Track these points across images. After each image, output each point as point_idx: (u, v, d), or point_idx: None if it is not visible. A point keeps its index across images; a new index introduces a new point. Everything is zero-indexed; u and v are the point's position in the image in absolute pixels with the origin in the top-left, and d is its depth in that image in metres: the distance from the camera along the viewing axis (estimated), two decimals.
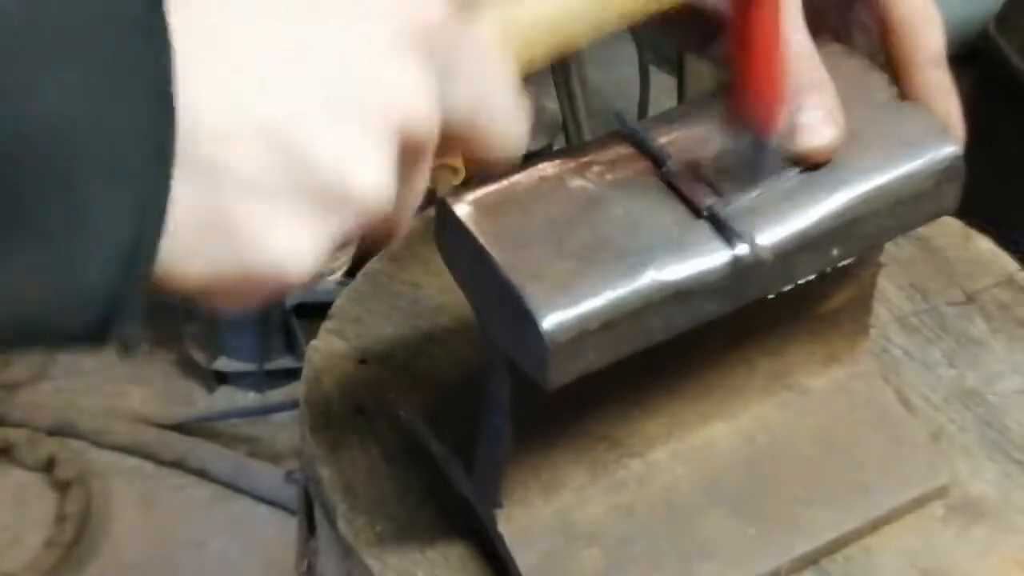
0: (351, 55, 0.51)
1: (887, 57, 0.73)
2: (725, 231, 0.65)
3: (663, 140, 0.69)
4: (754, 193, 0.67)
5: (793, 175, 0.68)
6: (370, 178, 0.51)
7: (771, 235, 0.66)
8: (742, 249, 0.65)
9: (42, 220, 0.45)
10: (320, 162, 0.50)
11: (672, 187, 0.67)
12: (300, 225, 0.50)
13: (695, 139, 0.69)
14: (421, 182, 0.57)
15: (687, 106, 0.72)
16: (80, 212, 0.45)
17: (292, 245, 0.50)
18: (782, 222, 0.67)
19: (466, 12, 0.59)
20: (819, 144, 0.67)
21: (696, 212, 0.66)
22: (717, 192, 0.66)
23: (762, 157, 0.66)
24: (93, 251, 0.46)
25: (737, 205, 0.66)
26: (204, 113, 0.47)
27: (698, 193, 0.66)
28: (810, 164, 0.68)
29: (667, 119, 0.70)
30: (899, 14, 0.72)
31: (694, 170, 0.67)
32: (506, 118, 0.59)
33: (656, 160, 0.68)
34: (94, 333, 0.47)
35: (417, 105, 0.53)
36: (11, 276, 0.46)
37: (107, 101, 0.45)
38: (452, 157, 0.61)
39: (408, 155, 0.54)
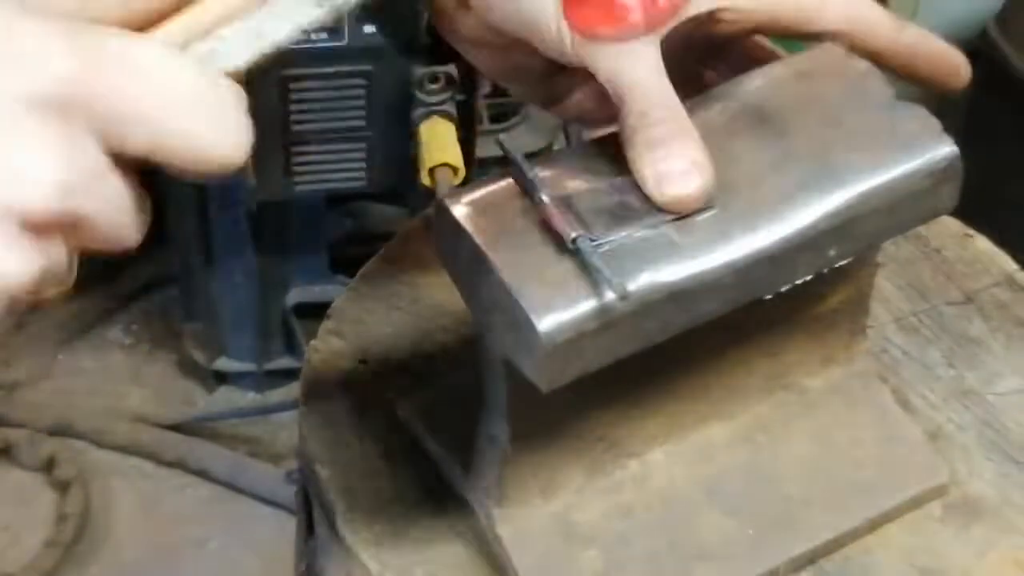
0: None
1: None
2: (589, 268, 0.63)
3: (545, 174, 0.67)
4: (623, 234, 0.65)
5: (664, 221, 0.66)
6: None
7: (763, 229, 0.66)
8: (604, 290, 0.63)
9: None
10: None
11: (544, 220, 0.65)
12: None
13: (581, 174, 0.67)
14: (55, 253, 0.53)
15: (587, 144, 0.71)
16: None
17: None
18: (779, 222, 0.67)
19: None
20: (679, 193, 0.66)
21: (561, 245, 0.64)
22: (588, 227, 0.64)
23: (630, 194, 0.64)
24: None
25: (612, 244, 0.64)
26: None
27: (566, 225, 0.64)
28: (673, 213, 0.66)
29: (563, 155, 0.68)
30: (842, 26, 0.73)
31: (569, 203, 0.66)
32: (193, 132, 0.53)
33: (530, 193, 0.66)
34: None
35: (42, 194, 0.51)
36: None
37: None
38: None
39: (33, 231, 0.52)
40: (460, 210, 0.65)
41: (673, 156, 0.66)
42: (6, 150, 0.50)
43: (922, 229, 0.90)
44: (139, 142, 0.52)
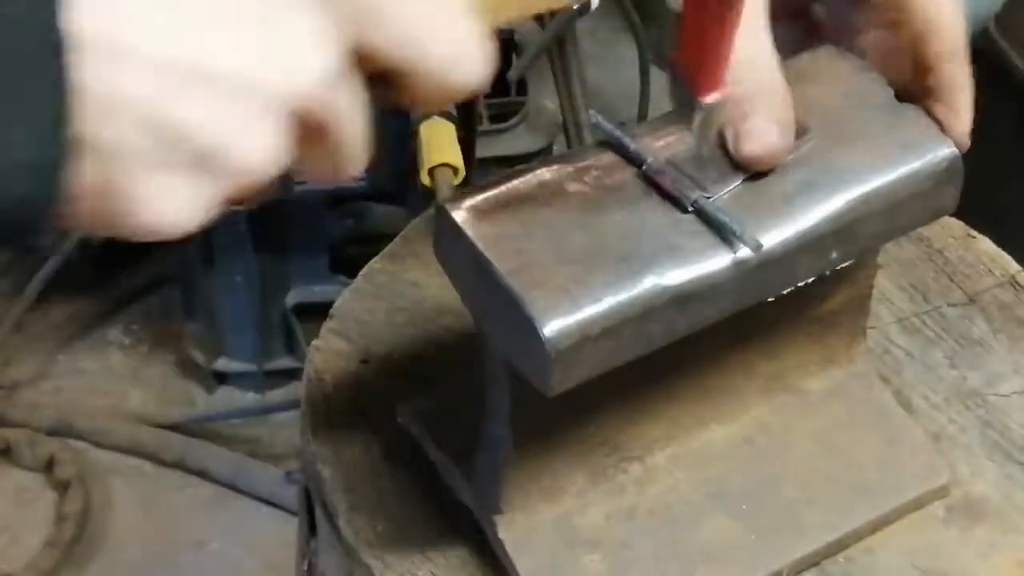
0: (239, 27, 0.52)
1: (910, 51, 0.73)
2: (715, 224, 0.65)
3: (643, 143, 0.68)
4: (733, 185, 0.67)
5: (738, 181, 0.67)
6: (251, 146, 0.53)
7: (765, 233, 0.66)
8: (737, 245, 0.65)
9: None
10: (198, 135, 0.52)
11: (654, 185, 0.67)
12: (178, 190, 0.53)
13: (674, 141, 0.68)
14: (331, 145, 0.57)
15: (669, 115, 0.72)
16: None
17: (170, 208, 0.53)
18: (781, 225, 0.67)
19: None
20: (757, 151, 0.67)
21: (682, 207, 0.66)
22: (700, 186, 0.66)
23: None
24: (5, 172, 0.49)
25: (723, 200, 0.66)
26: (85, 91, 0.49)
27: (681, 188, 0.66)
28: (753, 171, 0.67)
29: (649, 126, 0.70)
30: (923, 14, 0.72)
31: (674, 167, 0.67)
32: (451, 54, 0.57)
33: (635, 161, 0.68)
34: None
35: (313, 79, 0.54)
36: None
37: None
38: (407, 93, 0.59)
39: (306, 125, 0.55)
40: (461, 215, 0.65)
41: (754, 115, 0.67)
42: (277, 36, 0.52)
43: (924, 230, 0.90)
44: (397, 56, 0.56)
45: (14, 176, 0.49)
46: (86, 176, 0.51)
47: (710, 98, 0.65)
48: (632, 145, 0.68)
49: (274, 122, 0.53)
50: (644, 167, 0.67)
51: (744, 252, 0.65)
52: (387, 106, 0.59)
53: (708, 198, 0.66)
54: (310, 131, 0.55)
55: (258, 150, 0.53)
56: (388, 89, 0.58)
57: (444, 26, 0.57)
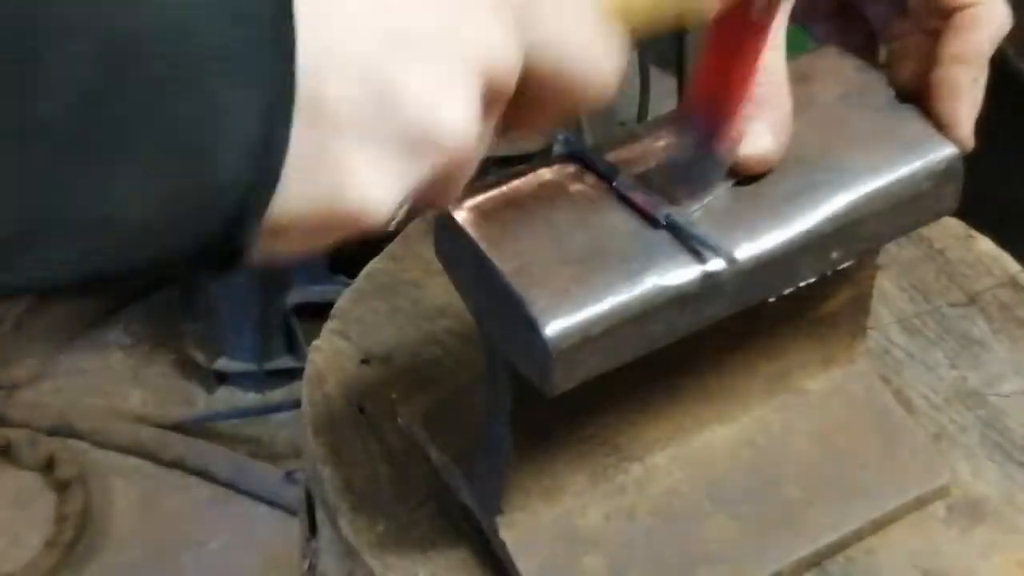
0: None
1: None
2: (688, 239, 0.65)
3: (614, 158, 0.68)
4: (704, 200, 0.66)
5: (727, 185, 0.67)
6: (456, 116, 0.53)
7: (765, 233, 0.66)
8: (710, 257, 0.64)
9: (174, 112, 0.47)
10: (409, 99, 0.52)
11: (626, 200, 0.66)
12: (386, 164, 0.52)
13: (644, 155, 0.68)
14: (491, 133, 0.58)
15: (643, 127, 0.72)
16: (210, 107, 0.48)
17: (377, 185, 0.52)
18: (781, 225, 0.67)
19: None
20: (748, 153, 0.67)
21: (655, 223, 0.65)
22: (673, 199, 0.66)
23: (703, 164, 0.66)
24: (225, 145, 0.48)
25: (703, 210, 0.66)
26: (303, 47, 0.49)
27: (653, 204, 0.66)
28: (743, 175, 0.67)
29: (623, 138, 0.69)
30: (963, 11, 0.72)
31: (645, 182, 0.66)
32: (590, 59, 0.58)
33: (606, 177, 0.67)
34: (213, 251, 0.50)
35: (502, 49, 0.54)
36: (149, 176, 0.48)
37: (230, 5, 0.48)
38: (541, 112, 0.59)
39: (488, 100, 0.55)
40: (462, 215, 0.65)
41: (754, 120, 0.67)
42: (463, 5, 0.53)
43: (925, 230, 0.90)
44: (542, 52, 0.56)
45: (242, 134, 0.48)
46: (302, 142, 0.50)
47: (728, 144, 0.65)
48: (600, 163, 0.67)
49: (471, 89, 0.53)
50: (615, 184, 0.67)
51: (718, 263, 0.65)
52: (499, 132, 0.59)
53: (681, 212, 0.65)
54: (487, 102, 0.55)
55: (459, 121, 0.53)
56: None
57: (586, 32, 0.58)
